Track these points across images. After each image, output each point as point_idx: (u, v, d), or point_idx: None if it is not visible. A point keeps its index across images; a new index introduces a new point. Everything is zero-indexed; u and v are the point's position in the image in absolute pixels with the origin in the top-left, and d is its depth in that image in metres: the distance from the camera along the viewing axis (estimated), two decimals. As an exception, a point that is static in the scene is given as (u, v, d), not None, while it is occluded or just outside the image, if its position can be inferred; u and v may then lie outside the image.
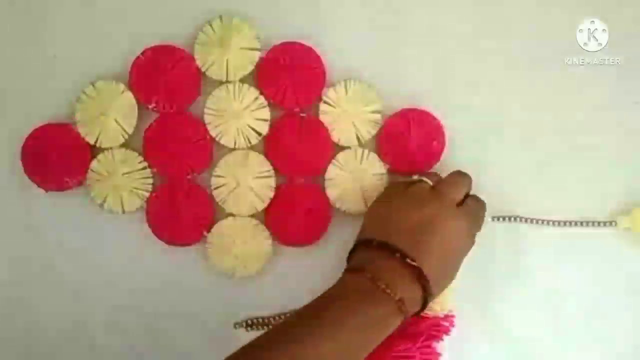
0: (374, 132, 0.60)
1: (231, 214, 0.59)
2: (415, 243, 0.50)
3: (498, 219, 0.59)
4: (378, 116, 0.59)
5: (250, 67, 0.59)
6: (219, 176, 0.59)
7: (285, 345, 0.45)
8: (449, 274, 0.53)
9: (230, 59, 0.58)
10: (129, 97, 0.59)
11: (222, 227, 0.59)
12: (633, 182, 0.60)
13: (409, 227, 0.51)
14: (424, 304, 0.51)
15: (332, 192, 0.59)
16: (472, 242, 0.55)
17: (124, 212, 0.59)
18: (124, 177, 0.59)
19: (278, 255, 0.60)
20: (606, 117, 0.60)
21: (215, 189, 0.59)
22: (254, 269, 0.59)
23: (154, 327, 0.60)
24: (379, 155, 0.60)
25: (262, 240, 0.59)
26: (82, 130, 0.59)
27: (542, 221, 0.59)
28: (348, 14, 0.60)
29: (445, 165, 0.60)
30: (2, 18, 0.61)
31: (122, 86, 0.59)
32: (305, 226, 0.59)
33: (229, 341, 0.59)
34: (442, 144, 0.60)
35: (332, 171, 0.59)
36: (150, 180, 0.59)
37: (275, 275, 0.60)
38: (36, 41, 0.60)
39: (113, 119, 0.58)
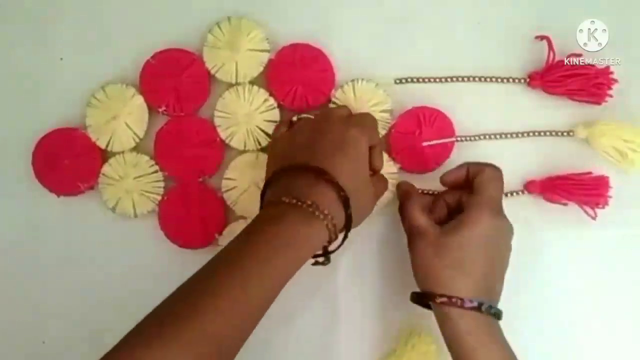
0: (383, 131, 0.59)
1: (242, 217, 0.59)
2: (325, 158, 0.49)
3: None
4: (387, 115, 0.59)
5: (260, 69, 0.59)
6: (229, 179, 0.59)
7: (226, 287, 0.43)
8: (360, 182, 0.51)
9: (240, 61, 0.58)
10: (139, 101, 0.59)
11: (234, 229, 0.59)
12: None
13: (299, 144, 0.51)
14: (347, 217, 0.49)
15: (343, 193, 0.59)
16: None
17: (135, 215, 0.59)
18: (135, 181, 0.59)
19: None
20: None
21: (226, 191, 0.59)
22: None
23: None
24: (390, 154, 0.60)
25: (273, 241, 0.59)
26: (93, 135, 0.59)
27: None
28: (356, 14, 0.60)
29: (456, 163, 0.59)
30: (12, 23, 0.61)
31: (132, 90, 0.59)
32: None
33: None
34: (452, 142, 0.60)
35: (342, 172, 0.59)
36: (162, 184, 0.59)
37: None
38: (45, 46, 0.61)
39: (124, 122, 0.58)
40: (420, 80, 0.60)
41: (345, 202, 0.48)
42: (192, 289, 0.44)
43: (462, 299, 0.49)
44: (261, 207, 0.50)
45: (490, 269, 0.51)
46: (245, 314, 0.44)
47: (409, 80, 0.60)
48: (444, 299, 0.50)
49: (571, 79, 0.58)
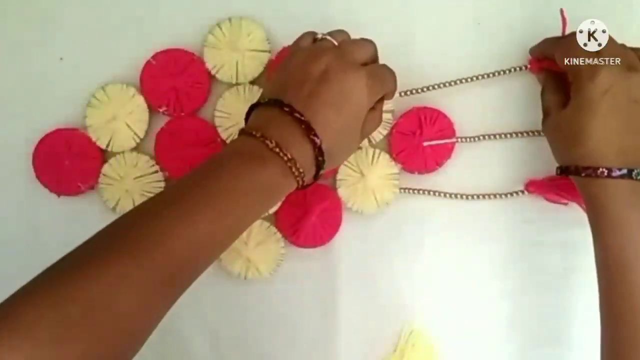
0: (384, 132, 0.59)
1: (243, 216, 0.59)
2: (306, 97, 0.46)
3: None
4: (389, 115, 0.59)
5: (260, 69, 0.59)
6: (230, 179, 0.59)
7: (158, 225, 0.41)
8: (346, 137, 0.49)
9: (240, 61, 0.58)
10: (139, 101, 0.59)
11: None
12: None
13: (301, 79, 0.47)
14: (318, 169, 0.47)
15: (343, 193, 0.59)
16: (373, 109, 0.51)
17: (136, 215, 0.59)
18: (135, 181, 0.59)
19: (290, 257, 0.60)
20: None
21: (227, 191, 0.59)
22: (266, 272, 0.59)
23: (164, 329, 0.60)
24: (390, 155, 0.60)
25: (274, 242, 0.59)
26: (93, 135, 0.59)
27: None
28: (357, 14, 0.60)
29: (457, 163, 0.60)
30: (12, 23, 0.61)
31: (132, 90, 0.59)
32: (317, 227, 0.59)
33: (240, 342, 0.60)
34: (452, 142, 0.60)
35: (343, 171, 0.59)
36: (162, 184, 0.59)
37: (287, 277, 0.60)
38: (45, 46, 0.61)
39: (124, 123, 0.58)
40: (423, 90, 0.59)
41: (320, 165, 0.47)
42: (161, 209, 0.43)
43: (609, 169, 0.48)
44: (246, 120, 0.50)
45: (628, 129, 0.49)
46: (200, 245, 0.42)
47: (412, 92, 0.59)
48: (589, 171, 0.49)
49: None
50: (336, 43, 0.51)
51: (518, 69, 0.59)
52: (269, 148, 0.45)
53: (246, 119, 0.50)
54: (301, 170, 0.46)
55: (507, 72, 0.59)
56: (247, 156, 0.45)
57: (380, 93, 0.51)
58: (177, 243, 0.41)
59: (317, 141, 0.46)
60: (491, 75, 0.59)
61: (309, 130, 0.45)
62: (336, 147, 0.48)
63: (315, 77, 0.47)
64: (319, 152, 0.46)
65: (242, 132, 0.47)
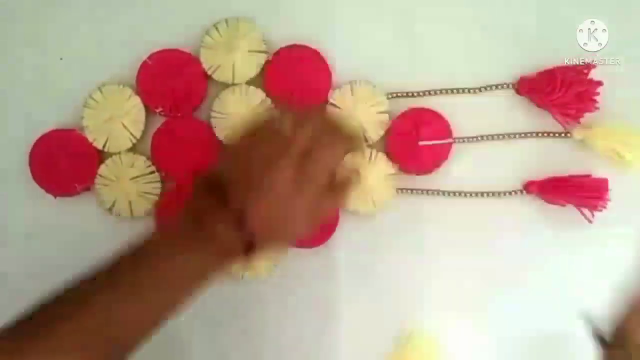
0: (382, 132, 0.59)
1: (240, 217, 0.59)
2: (245, 188, 0.45)
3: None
4: (385, 116, 0.59)
5: (257, 70, 0.59)
6: (227, 179, 0.59)
7: (97, 311, 0.42)
8: (281, 228, 0.47)
9: (237, 62, 0.58)
10: (136, 102, 0.59)
11: (231, 230, 0.59)
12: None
13: (245, 173, 0.46)
14: (248, 252, 0.46)
15: (340, 194, 0.59)
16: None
17: (132, 216, 0.59)
18: (132, 182, 0.59)
19: (287, 257, 0.60)
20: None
21: (223, 192, 0.59)
22: (264, 272, 0.59)
23: (164, 328, 0.60)
24: (387, 156, 0.59)
25: (271, 242, 0.59)
26: (90, 136, 0.59)
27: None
28: (354, 15, 0.60)
29: (453, 164, 0.60)
30: (12, 23, 0.61)
31: (129, 91, 0.59)
32: (314, 228, 0.59)
33: (240, 342, 0.60)
34: (449, 143, 0.59)
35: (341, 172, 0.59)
36: (159, 184, 0.59)
37: (286, 277, 0.60)
38: (43, 47, 0.61)
39: (121, 123, 0.59)
40: (412, 94, 0.60)
41: (250, 249, 0.47)
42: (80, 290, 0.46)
43: None
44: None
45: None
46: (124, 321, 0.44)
47: (401, 95, 0.60)
48: None
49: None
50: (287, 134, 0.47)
51: (505, 86, 0.59)
52: (200, 231, 0.45)
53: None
54: (233, 254, 0.46)
55: (494, 88, 0.59)
56: (182, 241, 0.45)
57: (320, 184, 0.47)
58: (114, 328, 0.42)
59: (248, 229, 0.45)
60: (478, 91, 0.60)
61: (242, 219, 0.45)
62: (269, 236, 0.47)
63: (258, 171, 0.45)
64: (250, 237, 0.45)
65: (195, 214, 0.46)
